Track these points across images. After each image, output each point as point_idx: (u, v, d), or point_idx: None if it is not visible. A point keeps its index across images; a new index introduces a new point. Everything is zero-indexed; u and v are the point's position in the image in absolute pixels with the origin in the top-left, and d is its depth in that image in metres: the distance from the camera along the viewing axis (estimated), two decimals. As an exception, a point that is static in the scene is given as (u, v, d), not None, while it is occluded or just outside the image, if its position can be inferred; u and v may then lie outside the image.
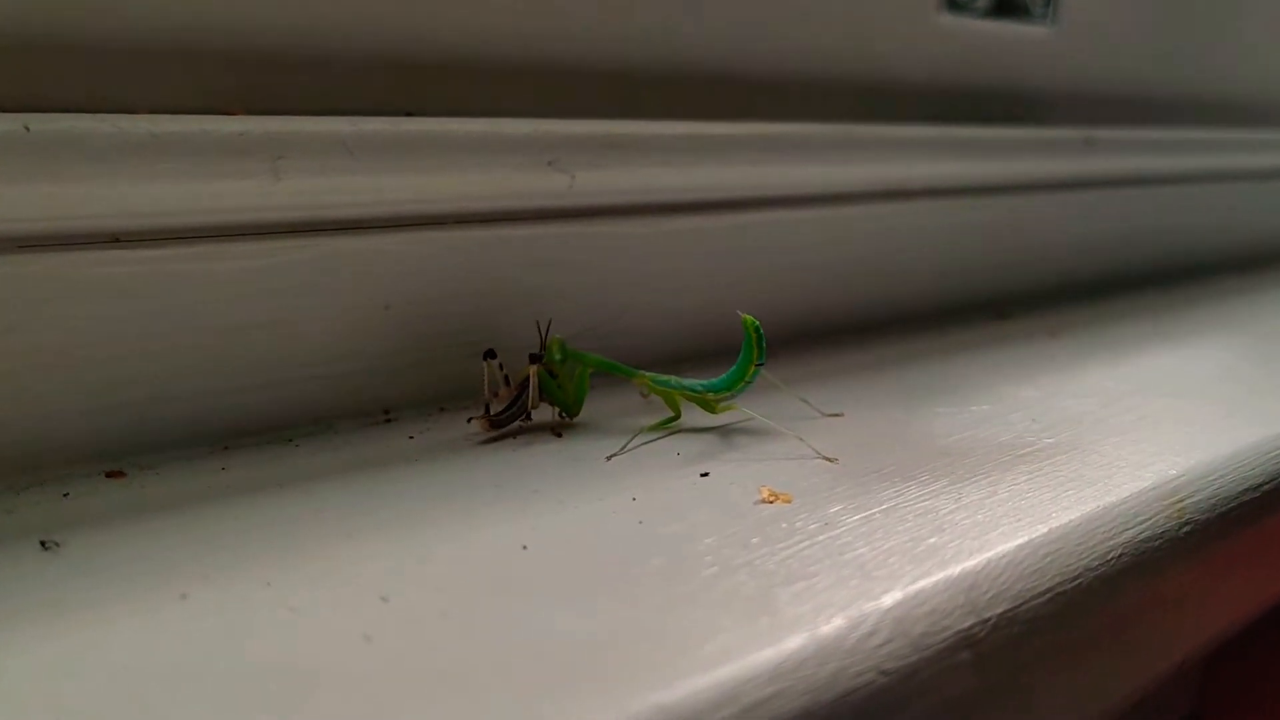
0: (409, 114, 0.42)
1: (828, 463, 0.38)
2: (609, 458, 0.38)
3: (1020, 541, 0.30)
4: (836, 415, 0.43)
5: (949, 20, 0.71)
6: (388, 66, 0.43)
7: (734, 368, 0.40)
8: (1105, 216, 0.84)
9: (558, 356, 0.40)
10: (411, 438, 0.40)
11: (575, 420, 0.41)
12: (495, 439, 0.39)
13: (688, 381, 0.41)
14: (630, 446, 0.38)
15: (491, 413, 0.39)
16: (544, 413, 0.42)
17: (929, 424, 0.43)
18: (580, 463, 0.37)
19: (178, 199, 0.37)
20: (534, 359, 0.40)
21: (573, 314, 0.47)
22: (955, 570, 0.28)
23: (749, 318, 0.40)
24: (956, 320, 0.69)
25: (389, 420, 0.42)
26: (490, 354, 0.39)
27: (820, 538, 0.30)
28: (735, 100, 0.61)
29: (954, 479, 0.38)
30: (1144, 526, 0.34)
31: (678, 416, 0.41)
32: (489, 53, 0.46)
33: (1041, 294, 0.78)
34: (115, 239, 0.38)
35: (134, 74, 0.37)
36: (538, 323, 0.42)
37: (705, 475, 0.38)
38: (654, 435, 0.40)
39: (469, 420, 0.40)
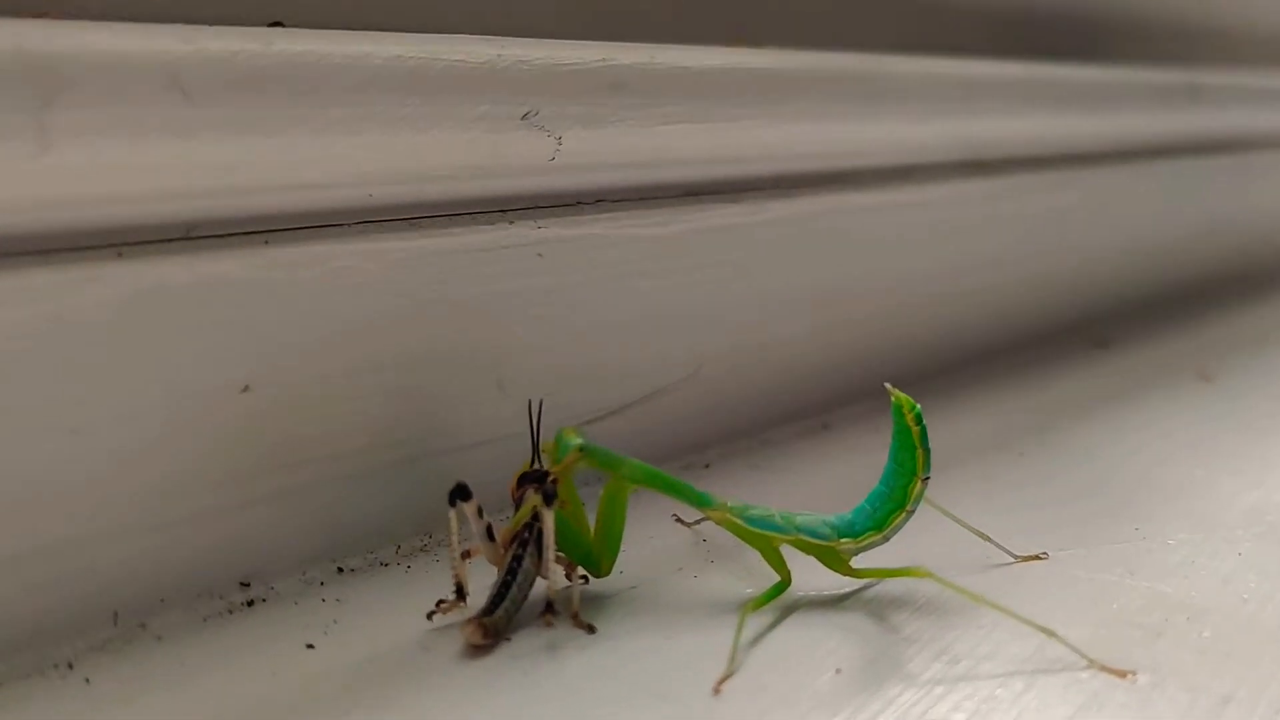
0: (279, 24, 0.35)
1: (1119, 678, 0.30)
2: (718, 687, 0.30)
3: None
4: (1036, 558, 0.37)
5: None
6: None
7: (880, 489, 0.34)
8: (1217, 191, 0.80)
9: (574, 445, 0.33)
10: (311, 646, 0.32)
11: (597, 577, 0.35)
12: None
13: (802, 518, 0.34)
14: (739, 654, 0.31)
15: (482, 605, 0.32)
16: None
17: (1185, 574, 0.37)
18: (662, 699, 0.29)
19: None
20: (536, 483, 0.33)
21: (568, 382, 0.40)
22: None
23: (903, 398, 0.34)
24: (1049, 351, 0.64)
25: (251, 603, 0.34)
26: (461, 493, 0.32)
27: None
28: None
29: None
30: None
31: (787, 583, 0.34)
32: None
33: (1138, 309, 0.73)
34: None
35: None
36: (529, 404, 0.34)
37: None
38: (760, 623, 0.33)
39: (430, 615, 0.33)
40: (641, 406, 0.36)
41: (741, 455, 0.46)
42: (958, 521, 0.37)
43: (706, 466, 0.45)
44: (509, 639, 0.32)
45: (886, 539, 0.34)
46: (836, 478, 0.43)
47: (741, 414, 0.48)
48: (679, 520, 0.39)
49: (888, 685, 0.30)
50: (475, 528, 0.32)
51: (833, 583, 0.35)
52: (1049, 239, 0.65)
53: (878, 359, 0.54)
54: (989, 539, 0.37)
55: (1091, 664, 0.30)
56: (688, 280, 0.45)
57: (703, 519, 0.37)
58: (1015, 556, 0.37)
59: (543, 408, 0.34)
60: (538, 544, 0.32)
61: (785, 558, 0.34)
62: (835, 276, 0.51)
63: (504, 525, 0.33)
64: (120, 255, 0.30)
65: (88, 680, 0.29)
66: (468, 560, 0.32)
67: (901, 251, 0.55)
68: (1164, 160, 0.73)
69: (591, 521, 0.34)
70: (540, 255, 0.40)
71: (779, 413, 0.49)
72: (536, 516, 0.32)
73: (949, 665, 0.31)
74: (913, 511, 0.33)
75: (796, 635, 0.32)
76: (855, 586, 0.35)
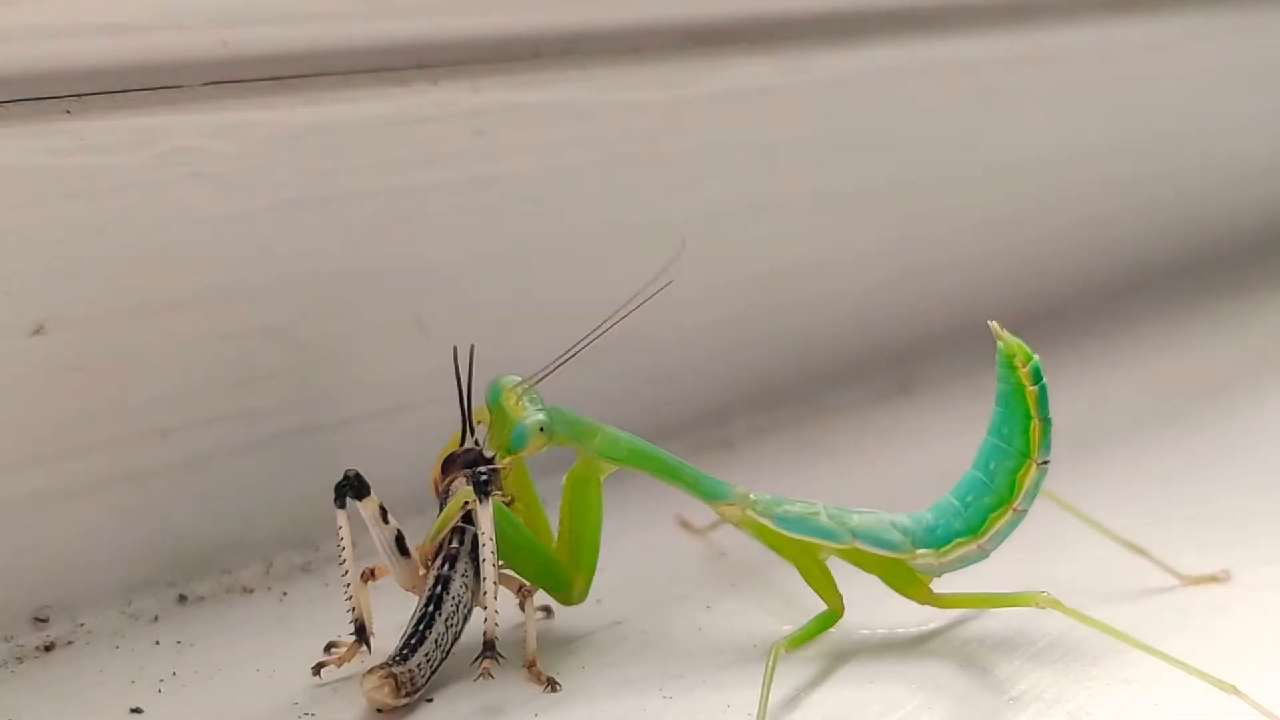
0: None
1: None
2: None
3: None
4: (1213, 580, 0.39)
5: None
6: None
7: (974, 476, 0.35)
8: None
9: (534, 423, 0.34)
10: (138, 711, 0.33)
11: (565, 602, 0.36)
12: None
13: (860, 518, 0.35)
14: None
15: (393, 650, 0.33)
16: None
17: None
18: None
19: None
20: (469, 468, 0.34)
21: (518, 321, 0.42)
22: None
23: (1014, 343, 0.34)
24: (1241, 276, 0.65)
25: (49, 647, 0.36)
26: (354, 486, 0.33)
27: None
28: None
29: None
30: None
31: (838, 615, 0.35)
32: None
33: None
34: None
35: None
36: (455, 352, 0.35)
37: None
38: (801, 674, 0.34)
39: (318, 668, 0.34)
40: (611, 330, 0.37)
41: (780, 428, 0.47)
42: (1096, 527, 0.38)
43: (729, 445, 0.46)
44: (431, 699, 0.32)
45: (985, 551, 0.34)
46: (916, 461, 0.44)
47: (781, 369, 0.49)
48: (684, 524, 0.40)
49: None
50: (378, 537, 0.33)
51: (907, 615, 0.35)
52: (1247, 107, 0.65)
53: (981, 290, 0.55)
54: (1143, 552, 0.38)
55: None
56: (697, 170, 0.45)
57: (718, 521, 0.37)
58: (1182, 578, 0.38)
59: (474, 357, 0.34)
60: (473, 558, 0.33)
61: (836, 577, 0.35)
62: (918, 168, 0.51)
63: (424, 533, 0.33)
64: None
65: None
66: (371, 584, 0.33)
67: (1017, 129, 0.55)
68: None
69: (554, 524, 0.35)
70: (478, 133, 0.40)
71: (835, 367, 0.50)
72: (470, 518, 0.33)
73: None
74: (1024, 511, 0.34)
75: (853, 693, 0.33)
76: (940, 621, 0.36)
